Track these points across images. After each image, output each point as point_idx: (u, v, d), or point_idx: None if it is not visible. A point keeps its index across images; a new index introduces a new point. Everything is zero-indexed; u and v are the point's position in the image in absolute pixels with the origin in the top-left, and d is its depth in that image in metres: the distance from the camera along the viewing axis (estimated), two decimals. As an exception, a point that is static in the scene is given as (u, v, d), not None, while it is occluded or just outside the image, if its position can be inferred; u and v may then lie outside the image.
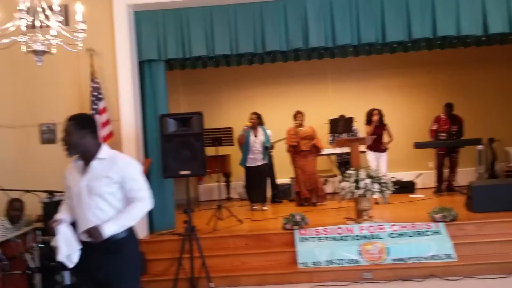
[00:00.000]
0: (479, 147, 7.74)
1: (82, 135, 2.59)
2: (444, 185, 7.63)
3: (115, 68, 5.62)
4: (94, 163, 2.62)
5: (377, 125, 7.11)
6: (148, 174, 5.64)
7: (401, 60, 8.41)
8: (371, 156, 7.14)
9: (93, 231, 2.48)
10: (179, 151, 4.61)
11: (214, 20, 5.66)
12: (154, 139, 5.69)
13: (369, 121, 7.18)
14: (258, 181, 7.06)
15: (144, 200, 2.68)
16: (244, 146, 6.99)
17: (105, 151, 2.66)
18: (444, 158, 7.60)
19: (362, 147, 6.83)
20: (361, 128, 7.72)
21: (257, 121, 7.07)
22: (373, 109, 7.18)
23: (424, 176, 8.41)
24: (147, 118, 5.79)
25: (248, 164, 7.07)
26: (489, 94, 8.51)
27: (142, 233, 5.42)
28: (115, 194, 2.60)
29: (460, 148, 7.61)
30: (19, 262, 3.45)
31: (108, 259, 2.55)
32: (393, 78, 8.88)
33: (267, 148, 6.96)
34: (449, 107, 7.59)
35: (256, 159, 7.04)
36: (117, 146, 5.52)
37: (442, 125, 7.61)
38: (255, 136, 7.02)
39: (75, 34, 4.04)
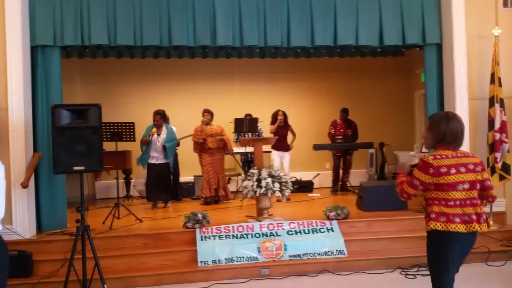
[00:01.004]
0: (371, 150, 8.41)
1: None
2: (339, 185, 8.15)
3: (4, 52, 5.10)
4: None
5: (282, 125, 7.37)
6: (37, 168, 5.21)
7: (304, 65, 8.83)
8: (275, 155, 7.39)
9: None
10: (73, 145, 4.29)
11: (118, 8, 5.39)
12: (45, 131, 5.26)
13: (274, 121, 7.44)
14: (160, 179, 6.90)
15: None
16: (147, 145, 6.83)
17: None
18: (339, 160, 8.11)
19: (266, 147, 7.02)
20: (266, 128, 7.93)
21: (161, 121, 6.90)
22: (278, 110, 7.48)
23: (321, 176, 8.91)
24: (38, 108, 5.32)
25: (150, 161, 6.91)
26: (381, 102, 9.30)
27: (29, 232, 5.03)
28: None
29: (354, 150, 8.20)
30: None
31: None
32: (295, 81, 9.26)
33: (165, 148, 6.82)
34: (344, 112, 8.12)
35: (158, 157, 6.90)
36: (3, 137, 5.01)
37: (338, 129, 8.12)
38: (158, 135, 6.86)
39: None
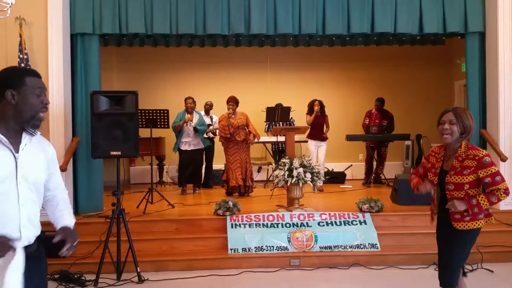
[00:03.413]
0: (407, 142, 8.19)
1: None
2: (372, 177, 8.01)
3: (46, 40, 5.26)
4: (27, 139, 1.93)
5: (318, 115, 7.26)
6: (75, 153, 5.38)
7: (338, 54, 8.67)
8: (311, 145, 7.30)
9: (70, 235, 1.96)
10: (110, 130, 4.42)
11: (154, -3, 5.45)
12: (83, 117, 5.42)
13: (310, 111, 7.31)
14: (191, 165, 6.96)
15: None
16: (175, 128, 6.92)
17: None
18: (373, 151, 7.95)
19: (298, 136, 6.94)
20: (298, 117, 7.86)
21: (194, 105, 6.97)
22: (315, 100, 7.33)
23: (354, 167, 8.78)
24: (77, 95, 5.48)
25: (182, 148, 6.98)
26: (419, 92, 9.02)
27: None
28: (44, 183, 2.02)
29: (389, 142, 8.01)
30: None
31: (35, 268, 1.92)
32: (329, 70, 9.11)
33: (196, 130, 6.88)
34: (380, 102, 7.93)
35: (190, 143, 6.95)
36: (43, 122, 5.18)
37: (373, 119, 7.95)
38: (191, 120, 6.92)
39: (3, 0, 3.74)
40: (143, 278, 4.27)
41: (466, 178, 2.69)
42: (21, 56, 5.11)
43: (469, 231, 2.75)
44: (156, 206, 5.80)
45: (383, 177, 7.98)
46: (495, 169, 2.68)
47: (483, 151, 2.71)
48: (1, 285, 1.71)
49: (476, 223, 2.73)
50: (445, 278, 2.85)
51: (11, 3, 3.76)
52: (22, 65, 5.10)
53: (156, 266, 4.59)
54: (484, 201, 2.67)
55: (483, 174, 2.67)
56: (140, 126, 6.24)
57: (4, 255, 1.72)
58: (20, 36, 5.13)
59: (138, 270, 4.25)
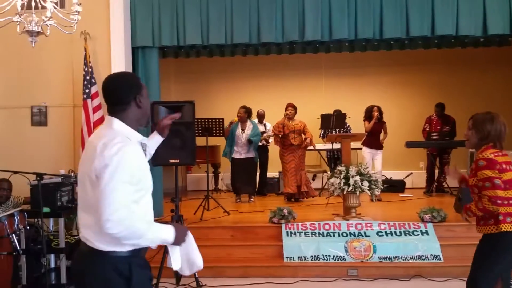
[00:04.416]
0: (471, 149, 7.74)
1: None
2: (434, 186, 7.65)
3: (109, 53, 5.57)
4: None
5: (376, 122, 7.07)
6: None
7: (396, 57, 8.41)
8: (366, 153, 7.12)
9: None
10: (169, 139, 4.51)
11: (210, 8, 5.60)
12: (144, 126, 5.64)
13: (368, 117, 7.13)
14: (243, 173, 7.02)
15: None
16: (228, 138, 7.00)
17: None
18: (435, 159, 7.60)
19: (354, 144, 6.78)
20: (356, 124, 7.69)
21: (245, 115, 7.01)
22: (373, 106, 7.15)
23: (415, 176, 8.43)
24: (139, 105, 5.72)
25: (234, 156, 7.05)
26: (484, 96, 8.51)
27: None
28: None
29: (451, 149, 7.62)
30: (5, 243, 3.40)
31: None
32: (387, 75, 8.87)
33: (250, 142, 6.91)
34: (440, 107, 7.59)
35: (241, 151, 7.01)
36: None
37: (434, 125, 7.61)
38: (242, 130, 6.97)
39: (70, 16, 3.99)
40: (201, 284, 4.35)
41: (471, 181, 2.73)
42: (86, 69, 5.44)
43: (484, 236, 2.72)
44: (212, 213, 5.90)
45: (446, 186, 7.60)
46: (486, 174, 2.61)
47: (485, 154, 2.65)
48: (195, 259, 2.12)
49: (485, 228, 2.71)
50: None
51: (78, 19, 4.00)
52: (87, 77, 5.42)
53: (213, 272, 4.65)
54: (474, 206, 2.70)
55: (476, 178, 2.68)
56: (196, 134, 6.40)
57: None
58: (85, 50, 5.46)
59: (196, 276, 4.32)
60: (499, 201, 2.60)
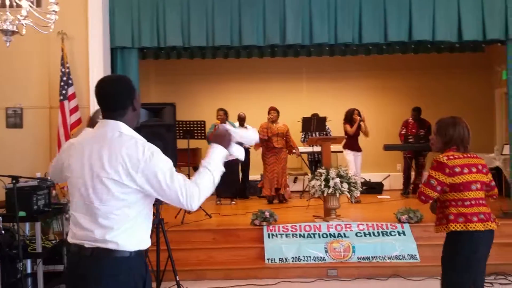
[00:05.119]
0: (446, 152, 7.93)
1: None
2: (411, 188, 7.80)
3: (87, 54, 5.50)
4: None
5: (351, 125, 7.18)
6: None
7: (375, 62, 8.56)
8: (350, 155, 7.19)
9: None
10: (149, 142, 4.50)
11: (191, 10, 5.59)
12: (124, 128, 5.57)
13: (348, 120, 7.22)
14: (225, 175, 6.96)
15: None
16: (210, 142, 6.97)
17: None
18: (411, 161, 7.77)
19: (336, 147, 6.87)
20: (336, 127, 7.78)
21: (224, 117, 7.01)
22: (354, 109, 7.23)
23: (392, 178, 8.58)
24: (118, 107, 5.65)
25: None
26: (458, 101, 8.73)
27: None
28: None
29: (427, 152, 7.80)
30: (-21, 249, 3.30)
31: None
32: (366, 80, 8.99)
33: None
34: (416, 111, 7.76)
35: None
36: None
37: (410, 128, 7.78)
38: None
39: (47, 15, 3.92)
40: (182, 287, 4.31)
41: None
42: (63, 69, 5.35)
43: (447, 234, 2.83)
44: (193, 216, 5.86)
45: (421, 188, 7.75)
46: (430, 172, 2.79)
47: (440, 157, 2.78)
48: (247, 136, 2.19)
49: (439, 228, 2.87)
50: None
51: (55, 19, 3.93)
52: (64, 78, 5.33)
53: (194, 275, 4.65)
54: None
55: None
56: (178, 137, 6.36)
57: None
58: (62, 50, 5.36)
59: (178, 279, 4.28)
60: (423, 197, 2.80)
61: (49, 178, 3.57)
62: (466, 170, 2.73)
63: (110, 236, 1.81)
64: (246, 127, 7.82)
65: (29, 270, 4.16)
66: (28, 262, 4.20)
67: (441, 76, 8.83)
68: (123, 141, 1.85)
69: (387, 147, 7.67)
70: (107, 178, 1.80)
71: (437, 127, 2.91)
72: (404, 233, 5.02)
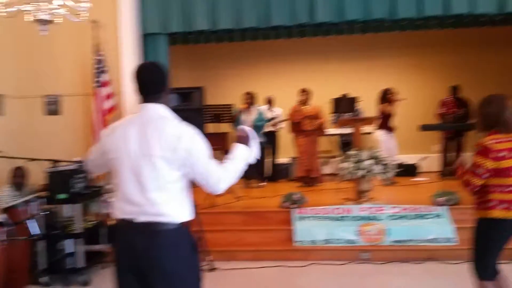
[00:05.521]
0: (487, 132, 7.58)
1: None
2: (449, 169, 7.54)
3: (119, 41, 5.58)
4: None
5: (390, 105, 6.96)
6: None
7: (410, 39, 8.23)
8: (384, 136, 7.01)
9: None
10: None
11: (218, -8, 5.54)
12: (155, 113, 5.67)
13: (384, 100, 7.01)
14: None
15: None
16: (235, 125, 6.95)
17: None
18: (450, 142, 7.49)
19: (368, 128, 6.72)
20: (368, 107, 7.59)
21: (251, 101, 6.95)
22: (388, 89, 7.00)
23: (428, 159, 8.31)
24: (148, 93, 5.74)
25: None
26: (502, 78, 8.27)
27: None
28: None
29: (467, 131, 7.48)
30: (23, 228, 3.49)
31: None
32: (400, 57, 8.68)
33: (257, 128, 6.86)
34: (455, 89, 7.44)
35: None
36: (119, 119, 5.51)
37: (448, 108, 7.48)
38: (248, 116, 6.93)
39: (79, 4, 4.00)
40: (214, 267, 4.40)
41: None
42: (96, 57, 5.46)
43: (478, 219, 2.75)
44: (223, 198, 5.91)
45: (460, 169, 7.47)
46: (475, 159, 2.65)
47: (484, 140, 2.63)
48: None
49: (478, 212, 2.75)
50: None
51: (87, 7, 4.01)
52: (98, 66, 5.44)
53: (226, 255, 4.70)
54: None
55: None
56: (207, 121, 6.40)
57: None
58: (95, 38, 5.47)
59: (210, 259, 4.38)
60: (470, 187, 2.67)
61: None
62: (508, 155, 2.62)
63: (161, 209, 1.97)
64: (273, 111, 7.77)
65: (70, 250, 4.34)
66: (69, 242, 4.38)
67: (482, 52, 8.37)
68: (166, 121, 2.02)
69: (425, 127, 7.38)
70: (156, 156, 1.95)
71: (480, 107, 2.78)
72: (441, 216, 4.88)
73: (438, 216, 4.89)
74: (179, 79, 8.73)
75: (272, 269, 4.44)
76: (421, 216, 4.93)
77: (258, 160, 7.55)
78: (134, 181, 1.98)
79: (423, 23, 6.59)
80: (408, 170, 7.77)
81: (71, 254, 4.33)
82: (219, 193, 2.10)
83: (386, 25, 6.89)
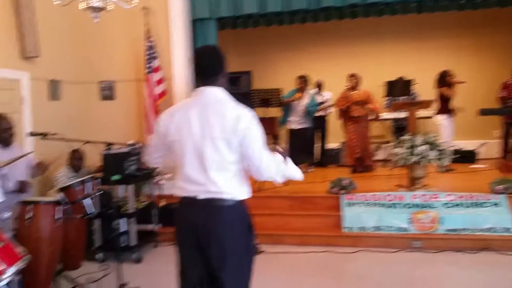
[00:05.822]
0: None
1: None
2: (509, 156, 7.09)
3: (169, 27, 5.66)
4: None
5: (449, 87, 6.62)
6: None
7: (468, 18, 7.76)
8: (445, 121, 6.68)
9: None
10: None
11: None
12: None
13: (442, 83, 6.67)
14: (301, 143, 6.88)
15: None
16: (285, 107, 6.83)
17: None
18: (511, 128, 7.02)
19: (423, 112, 6.41)
20: (423, 90, 7.26)
21: (305, 85, 6.84)
22: (446, 71, 6.63)
23: (488, 145, 7.86)
24: (198, 77, 5.81)
25: (291, 127, 6.89)
26: None
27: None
28: None
29: (530, 116, 6.98)
30: (79, 207, 3.67)
31: None
32: (457, 38, 8.23)
33: (309, 113, 6.74)
34: (517, 71, 6.93)
35: (299, 121, 6.83)
36: (169, 104, 5.64)
37: (510, 91, 6.99)
38: (300, 99, 6.84)
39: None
40: (261, 250, 4.44)
41: None
42: (147, 44, 5.58)
43: None
44: (270, 183, 5.90)
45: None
46: None
47: None
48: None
49: None
50: None
51: (138, -6, 4.09)
52: (149, 52, 5.57)
53: (273, 239, 4.73)
54: None
55: None
56: (255, 105, 6.40)
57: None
58: (146, 24, 5.59)
59: (258, 242, 4.40)
60: None
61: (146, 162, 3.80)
62: None
63: (222, 187, 2.07)
64: (323, 95, 7.63)
65: (123, 229, 4.54)
66: (123, 221, 4.57)
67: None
68: (225, 104, 2.09)
69: (484, 112, 6.94)
70: (217, 138, 2.02)
71: None
72: (499, 205, 4.63)
73: (496, 204, 4.66)
74: (229, 64, 8.79)
75: (320, 254, 4.41)
76: (478, 205, 4.71)
77: (306, 144, 7.49)
78: (197, 162, 2.06)
79: (481, 1, 6.16)
80: (466, 157, 7.41)
81: (125, 233, 4.53)
82: (263, 179, 2.16)
83: (442, 4, 6.51)
